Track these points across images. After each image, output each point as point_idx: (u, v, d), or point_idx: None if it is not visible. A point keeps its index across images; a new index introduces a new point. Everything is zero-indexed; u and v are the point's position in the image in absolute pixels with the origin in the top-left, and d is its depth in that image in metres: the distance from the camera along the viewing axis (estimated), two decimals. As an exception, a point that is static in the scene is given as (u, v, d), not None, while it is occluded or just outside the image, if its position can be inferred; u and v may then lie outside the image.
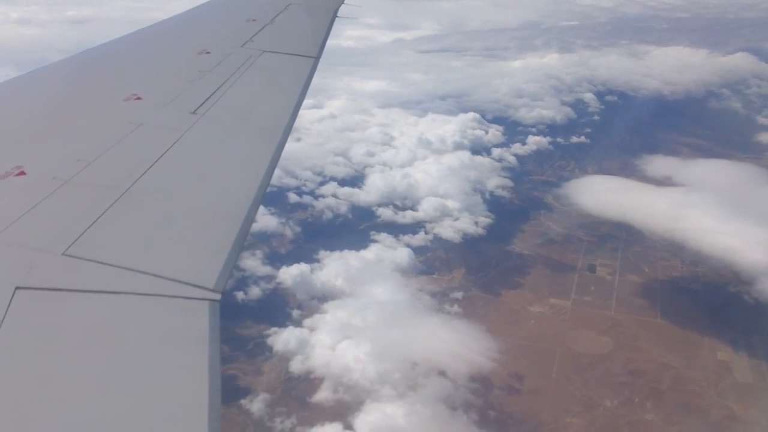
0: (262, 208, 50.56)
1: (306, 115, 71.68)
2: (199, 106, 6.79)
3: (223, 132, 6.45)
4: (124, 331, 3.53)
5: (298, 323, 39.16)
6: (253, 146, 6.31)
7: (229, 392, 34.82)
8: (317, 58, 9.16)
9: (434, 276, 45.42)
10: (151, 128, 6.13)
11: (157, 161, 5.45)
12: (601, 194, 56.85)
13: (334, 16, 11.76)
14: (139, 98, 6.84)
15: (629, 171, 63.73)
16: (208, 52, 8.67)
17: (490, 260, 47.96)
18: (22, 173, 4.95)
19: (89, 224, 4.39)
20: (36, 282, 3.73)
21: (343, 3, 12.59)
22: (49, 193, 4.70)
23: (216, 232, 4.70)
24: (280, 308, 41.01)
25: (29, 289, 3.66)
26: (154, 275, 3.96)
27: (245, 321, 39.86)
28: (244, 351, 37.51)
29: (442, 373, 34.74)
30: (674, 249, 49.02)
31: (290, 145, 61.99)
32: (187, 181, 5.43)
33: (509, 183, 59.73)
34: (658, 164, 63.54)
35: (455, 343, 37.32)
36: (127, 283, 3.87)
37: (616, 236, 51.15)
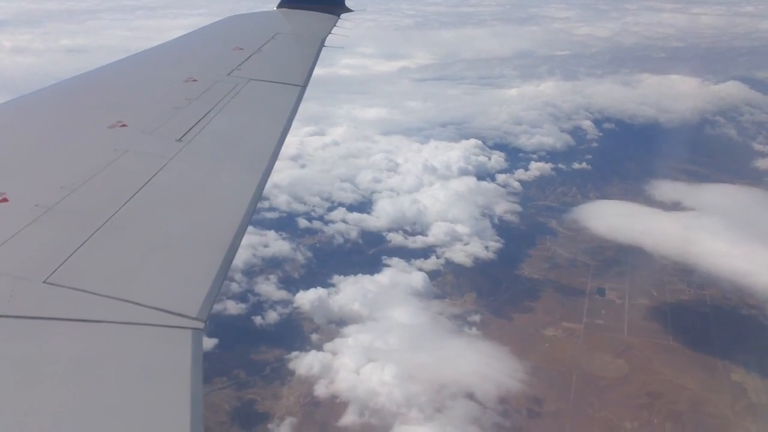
0: (273, 233, 51.24)
1: (309, 141, 72.36)
2: (185, 134, 6.68)
3: (208, 159, 6.37)
4: (105, 361, 3.46)
5: (318, 347, 39.11)
6: (238, 173, 6.23)
7: (250, 417, 34.76)
8: (304, 86, 9.09)
9: (446, 300, 45.66)
10: (135, 155, 6.07)
11: (141, 188, 5.36)
12: (604, 219, 57.45)
13: (322, 45, 11.77)
14: (124, 125, 6.73)
15: (630, 196, 64.64)
16: (194, 80, 8.61)
17: (501, 284, 48.35)
18: (5, 200, 4.86)
19: (71, 252, 4.29)
20: (16, 310, 3.64)
21: (330, 33, 12.64)
22: (31, 220, 4.60)
23: (200, 260, 4.57)
24: (297, 333, 41.02)
25: (9, 317, 3.58)
26: (137, 303, 3.88)
27: (260, 346, 39.89)
28: (261, 376, 37.50)
29: (469, 396, 34.81)
30: (681, 272, 49.58)
31: (296, 171, 62.77)
32: (171, 208, 5.32)
33: (517, 208, 60.35)
34: (660, 189, 64.53)
35: (478, 365, 37.48)
36: (109, 311, 3.79)
37: (623, 260, 51.64)
